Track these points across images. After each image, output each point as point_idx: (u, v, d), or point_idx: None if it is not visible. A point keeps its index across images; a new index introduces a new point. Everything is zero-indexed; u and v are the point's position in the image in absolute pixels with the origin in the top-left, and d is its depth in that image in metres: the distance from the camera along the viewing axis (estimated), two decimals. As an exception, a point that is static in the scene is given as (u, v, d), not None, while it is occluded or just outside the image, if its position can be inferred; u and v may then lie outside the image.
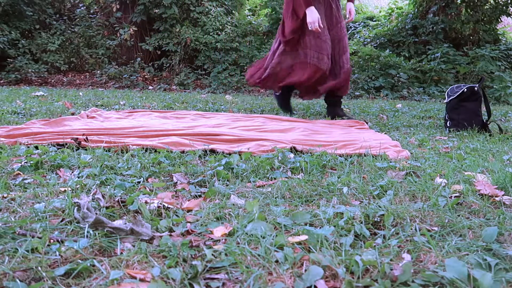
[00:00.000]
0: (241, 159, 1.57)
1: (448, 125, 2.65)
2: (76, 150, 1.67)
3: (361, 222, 0.93)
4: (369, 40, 8.29)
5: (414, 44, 7.62)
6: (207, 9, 7.46)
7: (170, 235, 0.86)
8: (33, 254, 0.75)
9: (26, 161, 1.40)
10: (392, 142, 1.95)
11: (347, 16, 3.16)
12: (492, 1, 7.66)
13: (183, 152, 1.68)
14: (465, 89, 2.62)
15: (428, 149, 1.91)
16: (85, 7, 7.83)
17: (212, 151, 1.72)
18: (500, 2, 7.60)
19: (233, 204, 1.05)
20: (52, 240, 0.81)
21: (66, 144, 1.74)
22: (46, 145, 1.70)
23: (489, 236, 0.84)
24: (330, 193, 1.17)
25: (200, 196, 1.16)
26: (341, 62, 3.00)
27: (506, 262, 0.76)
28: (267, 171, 1.41)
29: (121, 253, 0.78)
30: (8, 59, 6.64)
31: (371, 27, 8.93)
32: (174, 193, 1.17)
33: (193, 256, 0.77)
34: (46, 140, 1.77)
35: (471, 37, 7.79)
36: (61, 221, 0.92)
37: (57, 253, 0.76)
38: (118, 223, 0.88)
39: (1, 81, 6.41)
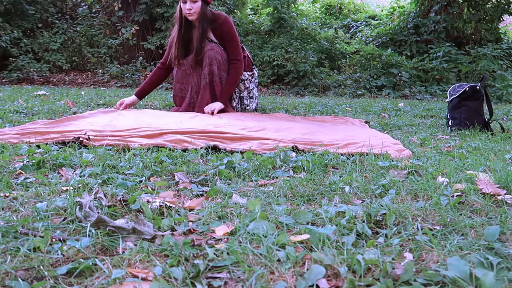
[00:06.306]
0: (243, 158, 1.57)
1: (450, 124, 2.65)
2: (78, 149, 1.67)
3: (363, 221, 0.93)
4: (371, 39, 8.29)
5: (416, 43, 7.62)
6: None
7: (172, 234, 0.86)
8: (35, 253, 0.75)
9: (28, 160, 1.40)
10: (393, 141, 1.95)
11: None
12: (494, 0, 7.64)
13: (185, 150, 1.68)
14: (467, 88, 2.61)
15: (430, 148, 1.91)
16: (87, 6, 7.84)
17: (215, 149, 1.72)
18: (502, 1, 7.58)
19: (235, 203, 1.05)
20: (54, 239, 0.81)
21: (68, 143, 1.74)
22: (48, 144, 1.70)
23: (491, 235, 0.84)
24: (332, 192, 1.17)
25: (202, 195, 1.16)
26: None
27: (508, 261, 0.76)
28: (269, 170, 1.41)
29: (123, 252, 0.78)
30: (10, 58, 6.65)
31: (373, 26, 8.93)
32: (176, 192, 1.17)
33: (195, 255, 0.77)
34: (50, 140, 1.77)
35: (473, 36, 7.78)
36: (63, 220, 0.92)
37: (59, 252, 0.76)
38: (120, 222, 0.88)
39: (3, 80, 6.42)
